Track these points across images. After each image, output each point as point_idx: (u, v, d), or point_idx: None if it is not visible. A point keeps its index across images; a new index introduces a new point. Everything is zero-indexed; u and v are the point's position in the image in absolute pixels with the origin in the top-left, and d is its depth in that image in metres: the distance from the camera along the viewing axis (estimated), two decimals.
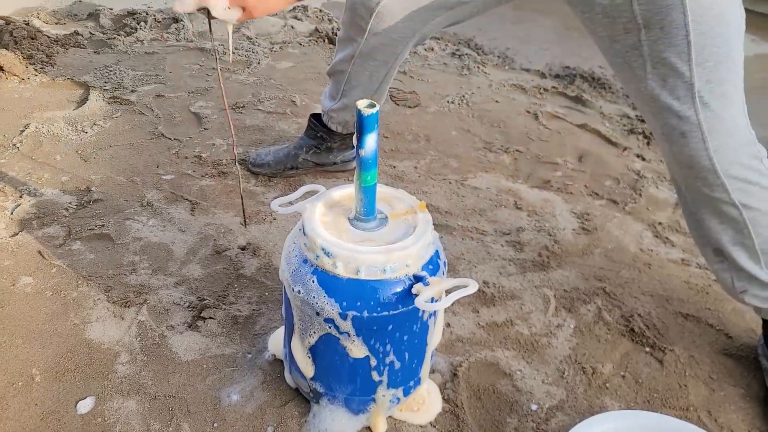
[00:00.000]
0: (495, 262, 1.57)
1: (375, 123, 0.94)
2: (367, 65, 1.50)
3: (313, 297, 1.02)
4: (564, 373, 1.30)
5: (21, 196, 1.66)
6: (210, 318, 1.35)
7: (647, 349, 1.37)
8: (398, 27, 1.39)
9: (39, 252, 1.49)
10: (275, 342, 1.31)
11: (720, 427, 1.20)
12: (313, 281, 1.01)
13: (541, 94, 2.48)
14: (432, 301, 0.97)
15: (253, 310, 1.39)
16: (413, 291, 1.00)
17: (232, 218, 1.65)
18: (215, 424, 1.15)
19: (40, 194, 1.68)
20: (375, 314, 1.00)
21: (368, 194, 1.01)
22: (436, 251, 1.07)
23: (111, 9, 2.98)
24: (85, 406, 1.17)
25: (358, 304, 1.00)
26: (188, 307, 1.38)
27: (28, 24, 2.61)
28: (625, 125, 2.29)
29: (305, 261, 1.03)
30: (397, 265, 0.98)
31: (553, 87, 2.56)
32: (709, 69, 1.05)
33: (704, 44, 1.03)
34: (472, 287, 0.98)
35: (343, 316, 1.01)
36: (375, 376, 1.10)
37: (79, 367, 1.23)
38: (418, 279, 1.00)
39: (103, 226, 1.58)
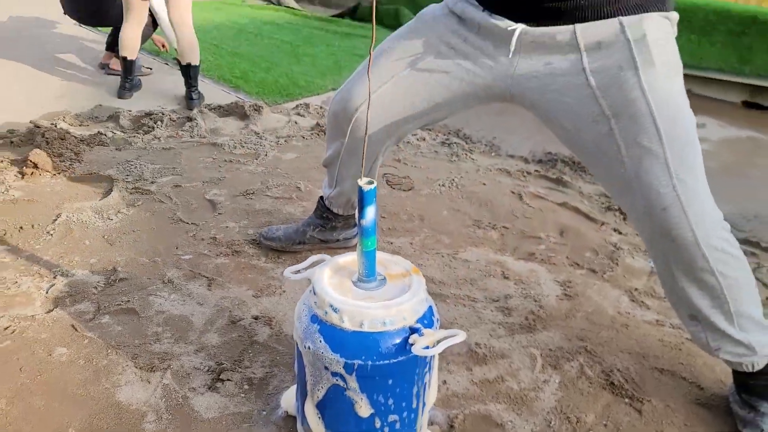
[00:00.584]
0: (485, 325, 1.72)
1: (373, 197, 1.13)
2: (353, 160, 1.70)
3: (322, 351, 1.17)
4: (551, 423, 1.42)
5: (55, 277, 1.83)
6: (228, 380, 1.49)
7: (626, 400, 1.50)
8: (374, 132, 1.57)
9: (72, 325, 1.64)
10: (287, 400, 1.44)
11: None
12: (322, 337, 1.17)
13: (524, 177, 2.71)
14: (426, 348, 1.12)
15: (267, 372, 1.53)
16: (410, 341, 1.15)
17: (245, 291, 1.81)
18: None
19: (71, 275, 1.85)
20: (378, 363, 1.15)
21: (369, 258, 1.19)
22: (430, 307, 1.23)
23: (129, 111, 3.27)
24: None
25: (362, 354, 1.15)
26: (207, 370, 1.52)
27: (56, 126, 2.87)
28: (602, 203, 2.50)
29: (314, 319, 1.19)
30: (395, 318, 1.15)
31: (536, 170, 2.79)
32: (678, 149, 1.23)
33: (670, 128, 1.22)
34: (461, 336, 1.14)
35: (349, 366, 1.16)
36: (377, 423, 1.23)
37: (110, 426, 1.36)
38: (414, 330, 1.16)
39: (128, 301, 1.75)
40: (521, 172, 2.75)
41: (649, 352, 1.65)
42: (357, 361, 1.15)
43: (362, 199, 1.13)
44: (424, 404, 1.31)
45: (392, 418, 1.26)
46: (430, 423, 1.40)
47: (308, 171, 2.59)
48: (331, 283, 1.22)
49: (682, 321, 1.40)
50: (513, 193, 2.52)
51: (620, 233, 2.27)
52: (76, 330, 1.63)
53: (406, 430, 1.28)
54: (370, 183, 1.12)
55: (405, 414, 1.26)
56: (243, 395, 1.46)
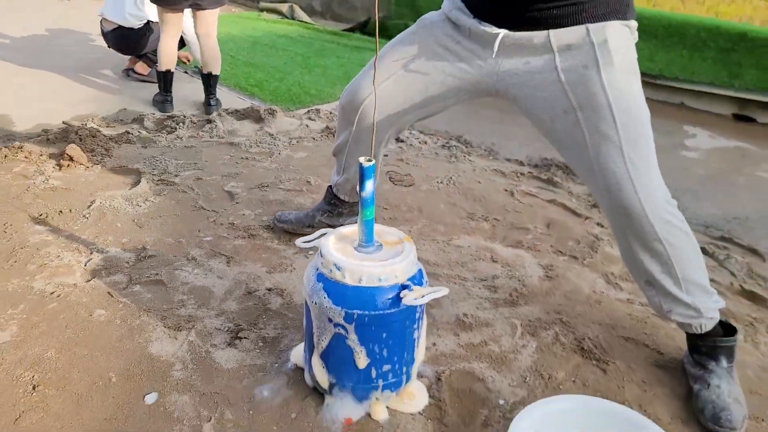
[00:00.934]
0: (473, 300, 1.94)
1: (372, 173, 1.35)
2: (359, 148, 1.92)
3: (326, 304, 1.39)
4: (526, 379, 1.63)
5: (91, 253, 2.06)
6: (244, 338, 1.71)
7: (594, 362, 1.70)
8: (378, 122, 1.77)
9: (108, 292, 1.87)
10: (296, 354, 1.66)
11: (648, 415, 1.52)
12: (326, 292, 1.39)
13: (518, 177, 2.92)
14: (414, 300, 1.34)
15: (278, 333, 1.74)
16: (401, 295, 1.37)
17: (259, 268, 2.03)
18: (250, 412, 1.48)
19: (106, 252, 2.08)
20: (373, 313, 1.37)
21: (368, 226, 1.41)
22: (419, 270, 1.45)
23: (153, 114, 3.52)
24: (151, 398, 1.51)
25: (360, 305, 1.37)
26: (227, 331, 1.74)
27: (87, 126, 3.12)
28: (589, 201, 2.71)
29: (320, 278, 1.41)
30: (389, 275, 1.37)
31: (529, 172, 3.01)
32: (631, 136, 1.45)
33: (625, 118, 1.44)
34: (444, 291, 1.37)
35: (349, 316, 1.38)
36: (373, 373, 1.45)
37: (144, 372, 1.58)
38: (405, 287, 1.38)
39: (156, 274, 1.97)
40: (515, 173, 2.97)
41: (618, 324, 1.86)
42: (356, 311, 1.37)
43: (362, 174, 1.35)
44: (413, 358, 1.52)
45: (386, 367, 1.47)
46: (420, 376, 1.61)
47: (318, 168, 2.82)
48: (336, 247, 1.44)
49: (641, 288, 1.61)
50: (506, 190, 2.74)
51: (602, 226, 2.48)
52: (111, 296, 1.86)
53: (397, 379, 1.49)
54: (369, 161, 1.34)
55: (397, 365, 1.48)
56: (258, 351, 1.68)
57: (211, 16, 3.68)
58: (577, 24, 1.46)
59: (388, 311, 1.38)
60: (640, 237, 1.49)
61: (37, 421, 1.44)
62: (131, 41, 4.17)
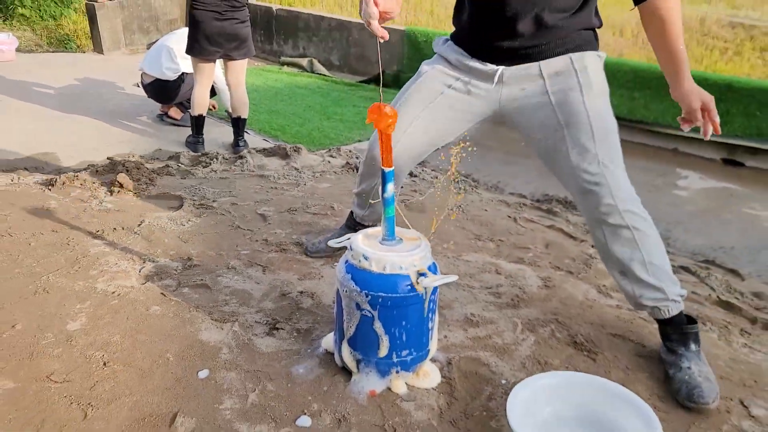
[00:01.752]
0: (480, 303, 2.20)
1: (392, 177, 1.65)
2: None
3: (354, 292, 1.67)
4: (525, 365, 1.88)
5: (144, 262, 2.35)
6: (281, 329, 1.98)
7: (585, 353, 1.95)
8: (401, 164, 2.02)
9: (161, 293, 2.15)
10: (327, 341, 1.92)
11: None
12: (354, 281, 1.66)
13: (520, 207, 3.22)
14: (430, 282, 1.62)
15: (310, 326, 2.01)
16: (418, 281, 1.64)
17: (292, 276, 2.31)
18: (288, 385, 1.74)
19: (156, 261, 2.37)
20: (394, 296, 1.64)
21: (389, 222, 1.70)
22: (433, 263, 1.73)
23: (188, 152, 3.87)
24: (203, 374, 1.77)
25: (384, 290, 1.64)
26: (265, 323, 2.01)
27: (131, 160, 3.47)
28: (585, 228, 2.99)
29: (349, 268, 1.69)
30: (409, 264, 1.65)
31: (531, 203, 3.30)
32: (605, 145, 1.75)
33: (600, 131, 1.75)
34: (454, 277, 1.64)
35: (374, 299, 1.65)
36: (394, 357, 1.71)
37: (196, 354, 1.85)
38: (421, 275, 1.66)
39: (202, 279, 2.25)
40: (518, 203, 3.26)
41: (607, 323, 2.11)
42: (381, 294, 1.64)
43: (384, 178, 1.65)
44: (428, 341, 1.78)
45: (405, 352, 1.73)
46: (434, 361, 1.87)
47: (340, 196, 3.13)
48: (363, 242, 1.73)
49: (616, 282, 1.88)
50: (509, 217, 3.03)
51: (593, 245, 2.74)
52: (164, 296, 2.14)
53: (414, 358, 1.75)
54: (389, 167, 1.65)
55: (414, 351, 1.74)
56: (293, 339, 1.94)
57: (240, 66, 4.08)
58: (562, 54, 1.79)
59: (408, 295, 1.65)
60: (611, 227, 1.77)
61: (109, 389, 1.70)
62: (167, 91, 4.58)
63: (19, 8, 7.67)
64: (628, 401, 1.62)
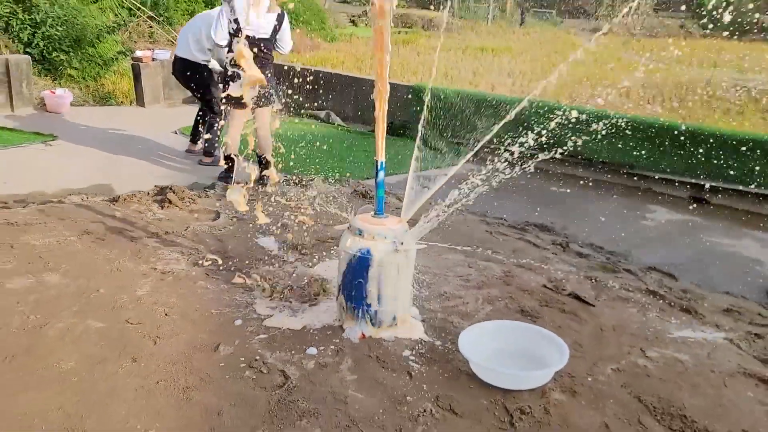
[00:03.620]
0: (451, 285, 2.81)
1: (383, 166, 2.31)
2: None
3: (351, 253, 2.30)
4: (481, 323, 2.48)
5: (191, 254, 3.01)
6: (294, 299, 2.60)
7: (529, 317, 2.54)
8: None
9: (206, 273, 2.80)
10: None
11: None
12: (352, 246, 2.30)
13: (498, 226, 3.84)
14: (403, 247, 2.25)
15: (318, 292, 2.64)
16: (396, 248, 2.28)
17: (314, 261, 2.95)
18: (302, 329, 2.35)
19: (200, 253, 3.03)
20: (379, 256, 2.27)
21: (380, 201, 2.34)
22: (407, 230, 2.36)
23: (221, 184, 4.58)
24: (238, 322, 2.40)
25: (373, 251, 2.27)
26: (284, 289, 2.64)
27: (173, 187, 4.17)
28: (553, 242, 3.59)
29: (347, 237, 2.33)
30: (389, 234, 2.28)
31: (509, 225, 3.93)
32: None
33: None
34: (423, 245, 2.28)
35: (365, 258, 2.27)
36: (380, 303, 2.33)
37: (233, 310, 2.48)
38: (400, 243, 2.29)
39: (238, 266, 2.90)
40: (497, 223, 3.89)
41: (550, 300, 2.71)
42: (370, 254, 2.27)
43: (377, 167, 2.31)
44: (406, 295, 2.39)
45: (387, 292, 2.34)
46: (414, 319, 2.47)
47: (348, 213, 3.79)
48: (360, 217, 2.36)
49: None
50: (486, 231, 3.66)
51: (554, 254, 3.35)
52: (207, 275, 2.78)
53: (395, 309, 2.35)
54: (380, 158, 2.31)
55: (395, 299, 2.34)
56: (306, 305, 2.57)
57: (265, 113, 4.79)
58: None
59: (390, 254, 2.28)
60: None
61: (169, 330, 2.33)
62: (192, 73, 5.25)
63: (68, 69, 8.60)
64: (549, 339, 2.21)
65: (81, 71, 8.75)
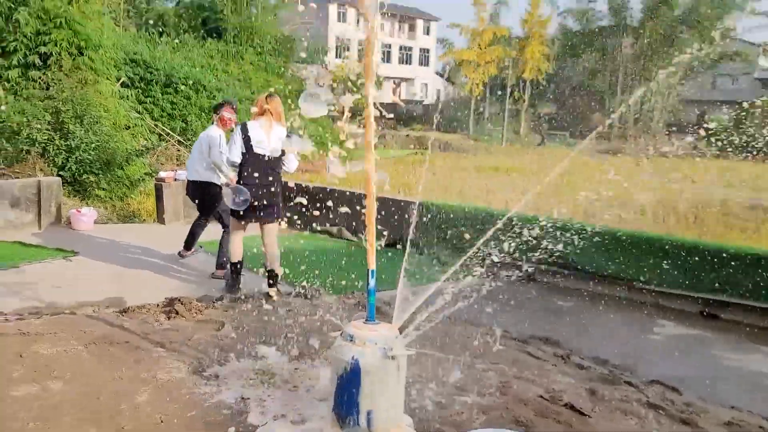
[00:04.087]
0: (449, 397, 2.81)
1: (374, 274, 2.41)
2: None
3: (342, 359, 2.35)
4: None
5: (192, 362, 3.07)
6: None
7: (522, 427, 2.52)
8: None
9: (204, 382, 2.84)
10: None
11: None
12: (343, 352, 2.36)
13: (498, 338, 3.86)
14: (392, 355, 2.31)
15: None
16: (387, 353, 2.33)
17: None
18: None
19: (201, 362, 3.09)
20: (369, 361, 2.32)
21: (371, 309, 2.42)
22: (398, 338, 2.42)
23: (230, 295, 4.70)
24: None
25: (362, 356, 2.32)
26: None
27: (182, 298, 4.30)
28: (555, 354, 3.59)
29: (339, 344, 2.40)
30: (380, 339, 2.34)
31: (509, 335, 3.94)
32: None
33: None
34: (411, 351, 2.33)
35: (355, 364, 2.32)
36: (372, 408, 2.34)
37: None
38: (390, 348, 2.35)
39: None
40: (504, 336, 3.91)
41: (540, 410, 2.69)
42: (360, 360, 2.32)
43: (368, 275, 2.41)
44: (397, 402, 2.40)
45: (377, 405, 2.36)
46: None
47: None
48: (354, 324, 2.44)
49: None
50: (483, 340, 3.68)
51: (554, 365, 3.34)
52: (207, 383, 2.83)
53: (382, 417, 2.36)
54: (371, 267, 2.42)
55: (383, 407, 2.36)
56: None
57: (272, 228, 4.95)
58: None
59: (380, 363, 2.33)
60: None
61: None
62: (199, 191, 5.67)
63: (96, 189, 9.06)
64: None
65: (109, 191, 9.22)
